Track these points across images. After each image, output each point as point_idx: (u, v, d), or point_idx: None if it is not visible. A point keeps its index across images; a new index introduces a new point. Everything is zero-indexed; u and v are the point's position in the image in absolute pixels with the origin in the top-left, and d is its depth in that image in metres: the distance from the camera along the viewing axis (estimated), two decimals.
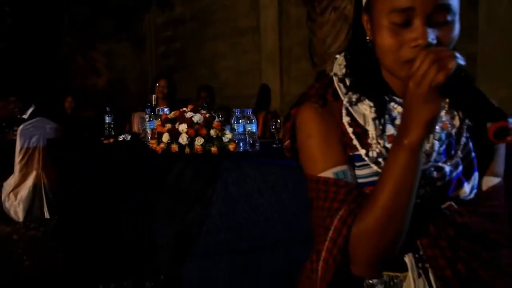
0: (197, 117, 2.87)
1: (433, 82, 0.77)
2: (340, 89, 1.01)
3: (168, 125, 2.95)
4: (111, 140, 3.70)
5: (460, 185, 0.95)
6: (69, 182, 3.99)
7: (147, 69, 7.85)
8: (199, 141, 2.83)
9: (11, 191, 4.56)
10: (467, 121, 0.98)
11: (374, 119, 0.95)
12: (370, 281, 0.99)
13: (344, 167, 0.97)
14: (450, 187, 0.95)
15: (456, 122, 0.98)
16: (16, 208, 4.54)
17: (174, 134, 2.90)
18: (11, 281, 3.28)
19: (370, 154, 0.95)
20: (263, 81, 6.20)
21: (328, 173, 0.97)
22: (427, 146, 0.94)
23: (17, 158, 4.51)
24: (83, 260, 3.49)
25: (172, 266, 2.78)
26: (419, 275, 0.96)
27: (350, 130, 0.97)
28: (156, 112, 3.46)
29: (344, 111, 0.99)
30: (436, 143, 0.95)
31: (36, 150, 4.53)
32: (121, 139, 3.69)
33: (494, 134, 0.73)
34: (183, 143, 2.86)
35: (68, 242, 3.89)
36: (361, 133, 0.96)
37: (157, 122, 3.12)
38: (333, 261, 0.93)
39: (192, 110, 2.99)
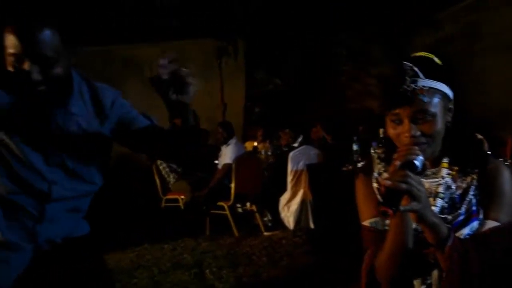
0: None
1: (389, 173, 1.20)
2: (375, 163, 1.47)
3: None
4: (350, 167, 4.28)
5: (458, 229, 1.28)
6: (324, 200, 4.77)
7: None
8: None
9: (285, 204, 5.42)
10: (475, 182, 1.31)
11: None
12: None
13: (376, 219, 1.40)
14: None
15: (464, 184, 1.32)
16: (289, 218, 5.36)
17: None
18: (271, 275, 4.03)
19: None
20: None
21: (366, 222, 1.42)
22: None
23: (289, 178, 5.37)
24: (327, 264, 4.07)
25: None
26: None
27: (377, 192, 1.42)
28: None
29: (373, 179, 1.44)
30: (439, 201, 1.31)
31: (303, 173, 5.28)
32: (359, 165, 4.22)
33: (381, 212, 1.12)
34: None
35: (319, 247, 4.60)
36: None
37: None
38: (365, 282, 1.38)
39: None
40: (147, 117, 1.87)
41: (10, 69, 1.53)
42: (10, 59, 1.52)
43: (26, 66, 1.50)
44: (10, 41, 1.51)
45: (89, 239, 1.85)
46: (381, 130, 4.38)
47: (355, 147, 4.67)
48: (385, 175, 1.37)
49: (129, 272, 4.25)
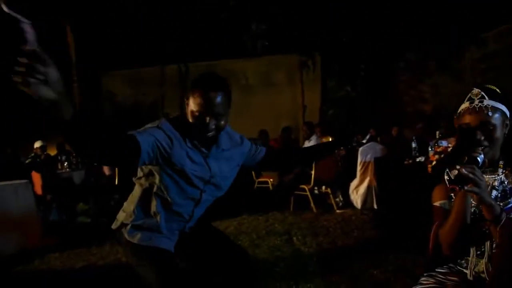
0: None
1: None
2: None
3: (437, 156, 4.30)
4: (410, 161, 4.94)
5: (508, 214, 1.52)
6: (387, 186, 5.57)
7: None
8: None
9: (354, 188, 6.20)
10: None
11: None
12: (459, 261, 1.70)
13: (445, 201, 1.68)
14: None
15: None
16: (357, 200, 6.13)
17: None
18: (345, 243, 4.61)
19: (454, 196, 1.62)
20: None
21: (437, 203, 1.70)
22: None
23: (358, 167, 6.14)
24: (388, 235, 4.69)
25: None
26: (478, 256, 1.61)
27: (446, 182, 1.69)
28: (438, 144, 4.59)
29: (445, 174, 1.72)
30: (494, 191, 1.58)
31: (370, 164, 6.02)
32: (418, 160, 4.86)
33: (450, 189, 1.51)
34: None
35: (382, 223, 5.24)
36: None
37: (431, 152, 4.54)
38: (431, 246, 1.70)
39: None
40: (262, 145, 2.30)
41: (191, 120, 1.88)
42: (194, 114, 1.86)
43: (206, 120, 1.86)
44: (197, 102, 1.84)
45: (209, 221, 2.33)
46: (437, 132, 5.36)
47: (413, 144, 5.28)
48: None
49: (234, 236, 5.07)
